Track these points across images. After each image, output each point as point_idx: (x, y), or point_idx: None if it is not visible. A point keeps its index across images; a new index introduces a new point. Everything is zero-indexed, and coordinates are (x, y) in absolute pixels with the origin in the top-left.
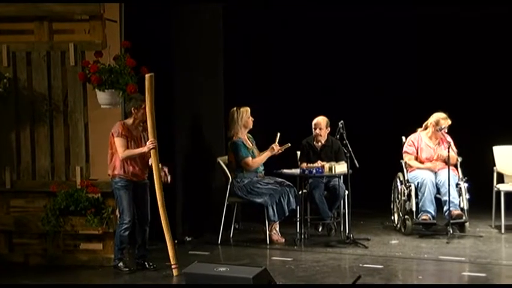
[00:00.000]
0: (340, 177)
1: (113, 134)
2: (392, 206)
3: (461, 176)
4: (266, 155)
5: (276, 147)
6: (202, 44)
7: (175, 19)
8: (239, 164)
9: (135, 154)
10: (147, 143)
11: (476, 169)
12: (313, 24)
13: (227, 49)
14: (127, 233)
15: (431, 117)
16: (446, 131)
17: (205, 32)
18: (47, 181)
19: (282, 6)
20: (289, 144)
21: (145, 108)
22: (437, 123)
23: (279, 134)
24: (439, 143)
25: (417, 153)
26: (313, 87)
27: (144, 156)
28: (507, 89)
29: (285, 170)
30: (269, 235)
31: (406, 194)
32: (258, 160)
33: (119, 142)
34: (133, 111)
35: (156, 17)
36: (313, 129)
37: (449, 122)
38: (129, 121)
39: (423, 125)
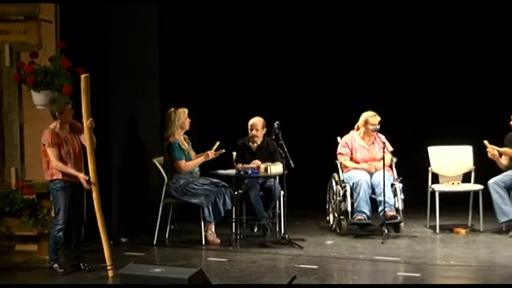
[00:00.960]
0: (276, 178)
1: (43, 144)
2: (327, 207)
3: (396, 176)
4: (200, 160)
5: (211, 154)
6: (138, 44)
7: (110, 20)
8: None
9: (68, 172)
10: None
11: (411, 169)
12: (248, 23)
13: (164, 49)
14: (61, 233)
15: (360, 117)
16: (378, 129)
17: (141, 32)
18: None
19: (219, 6)
20: (224, 150)
21: (70, 110)
22: (366, 122)
23: (218, 143)
24: (373, 143)
25: (352, 154)
26: (249, 87)
27: (79, 155)
28: (442, 89)
29: (221, 171)
30: (205, 236)
31: (341, 194)
32: (191, 164)
33: (51, 152)
34: (58, 115)
35: (92, 17)
36: (249, 130)
37: (378, 118)
38: (56, 125)
39: (355, 126)
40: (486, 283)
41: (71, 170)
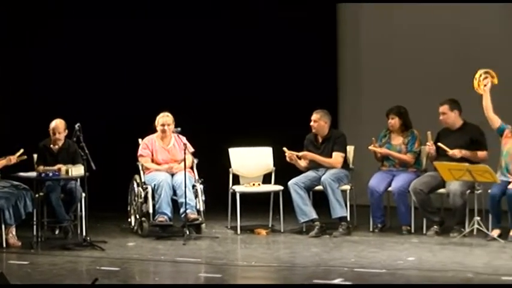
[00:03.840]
0: (77, 180)
1: None
2: (129, 209)
3: (197, 177)
4: (1, 163)
5: (13, 159)
6: None
7: None
8: None
9: None
10: None
11: (213, 171)
12: (55, 24)
13: None
14: None
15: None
16: (179, 130)
17: None
18: None
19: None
20: (26, 157)
21: None
22: (158, 122)
23: (22, 150)
24: (174, 144)
25: (152, 155)
26: (51, 90)
27: None
28: (242, 91)
29: (22, 173)
30: (5, 239)
31: (142, 196)
32: None
33: None
34: None
35: None
36: (51, 133)
37: (169, 118)
38: None
39: None
40: (286, 283)
41: None
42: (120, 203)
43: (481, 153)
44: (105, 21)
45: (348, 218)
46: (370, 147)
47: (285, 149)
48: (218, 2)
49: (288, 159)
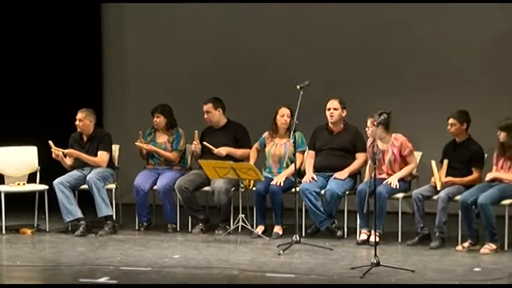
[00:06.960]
0: None
1: None
2: None
3: None
4: None
5: None
6: None
7: None
8: None
9: None
10: None
11: None
12: None
13: None
14: None
15: None
16: None
17: None
18: None
19: None
20: None
21: None
22: None
23: None
24: None
25: None
26: None
27: None
28: (4, 89)
29: None
30: None
31: None
32: None
33: None
34: None
35: None
36: None
37: None
38: None
39: None
40: (52, 283)
41: None
42: None
43: (245, 151)
44: None
45: (114, 217)
46: (136, 143)
47: (50, 142)
48: None
49: (54, 155)
